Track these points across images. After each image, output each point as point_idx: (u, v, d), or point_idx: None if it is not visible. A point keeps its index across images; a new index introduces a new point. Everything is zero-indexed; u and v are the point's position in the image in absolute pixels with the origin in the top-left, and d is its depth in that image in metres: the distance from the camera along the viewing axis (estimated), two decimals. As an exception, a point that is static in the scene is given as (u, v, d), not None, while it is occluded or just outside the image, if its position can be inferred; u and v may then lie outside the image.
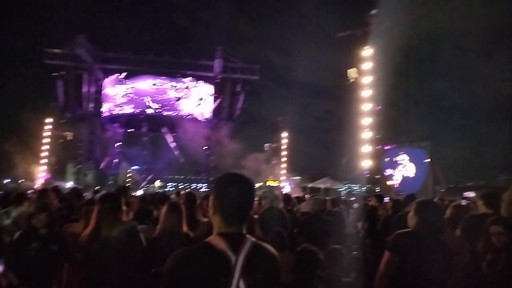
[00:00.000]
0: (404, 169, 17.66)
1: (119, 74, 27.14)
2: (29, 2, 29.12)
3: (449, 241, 3.02)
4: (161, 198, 6.34)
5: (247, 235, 1.60)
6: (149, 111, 27.19)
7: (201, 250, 1.53)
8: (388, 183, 17.89)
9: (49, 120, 24.97)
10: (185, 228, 3.25)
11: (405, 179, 17.45)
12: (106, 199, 3.20)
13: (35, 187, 15.68)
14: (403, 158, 17.70)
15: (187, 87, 27.75)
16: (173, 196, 7.44)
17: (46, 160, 24.54)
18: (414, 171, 17.24)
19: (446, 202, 7.32)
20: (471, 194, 12.59)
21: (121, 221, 3.12)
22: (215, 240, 1.54)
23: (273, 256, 1.63)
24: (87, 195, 8.48)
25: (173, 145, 28.37)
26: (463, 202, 7.10)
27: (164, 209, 3.33)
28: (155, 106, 27.12)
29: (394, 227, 4.30)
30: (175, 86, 27.50)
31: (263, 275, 1.54)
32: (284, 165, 27.42)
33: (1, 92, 23.31)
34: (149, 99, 27.13)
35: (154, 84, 27.29)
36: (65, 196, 7.68)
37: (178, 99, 27.46)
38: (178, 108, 27.44)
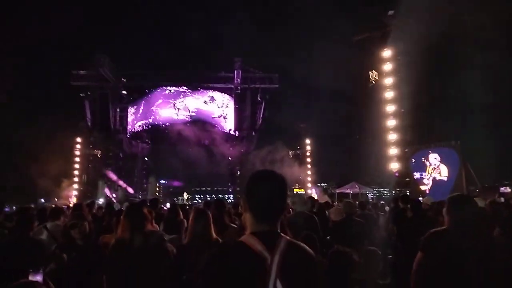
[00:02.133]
0: (435, 171, 16.81)
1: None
2: (52, 28, 30.31)
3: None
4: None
5: (282, 234, 1.53)
6: (173, 124, 27.61)
7: (235, 249, 1.49)
8: (421, 187, 17.15)
9: (79, 139, 25.86)
10: (214, 234, 3.20)
11: (436, 182, 16.61)
12: (131, 209, 3.20)
13: (69, 204, 16.14)
14: (434, 157, 16.92)
15: (210, 99, 28.12)
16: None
17: (77, 179, 25.39)
18: (447, 174, 16.38)
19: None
20: (508, 189, 11.97)
21: (147, 231, 3.09)
22: (249, 239, 1.47)
23: (310, 255, 1.54)
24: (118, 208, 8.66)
25: (199, 157, 28.69)
26: (502, 199, 6.80)
27: (191, 216, 3.31)
28: (181, 117, 27.56)
29: (414, 228, 4.25)
30: (198, 98, 27.92)
31: (301, 274, 1.47)
32: (309, 172, 27.19)
33: (31, 115, 24.32)
34: (174, 112, 27.61)
35: (175, 97, 27.77)
36: (98, 212, 7.94)
37: (199, 111, 27.80)
38: (202, 120, 27.77)
